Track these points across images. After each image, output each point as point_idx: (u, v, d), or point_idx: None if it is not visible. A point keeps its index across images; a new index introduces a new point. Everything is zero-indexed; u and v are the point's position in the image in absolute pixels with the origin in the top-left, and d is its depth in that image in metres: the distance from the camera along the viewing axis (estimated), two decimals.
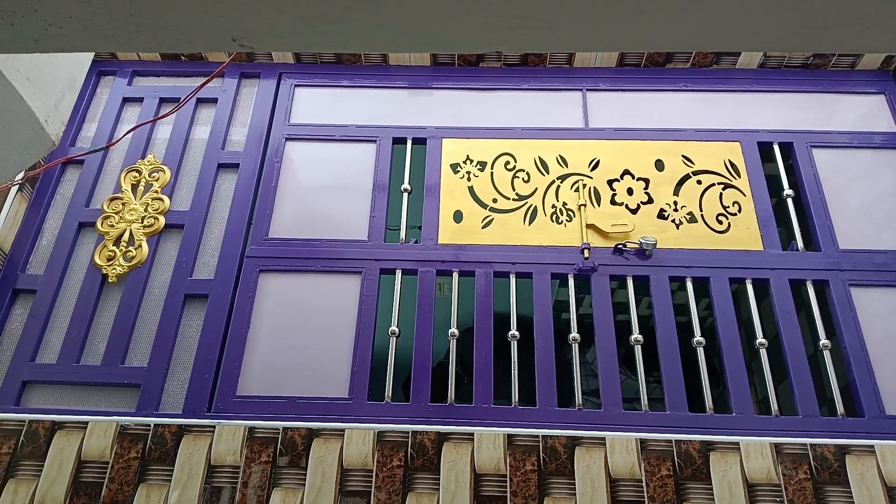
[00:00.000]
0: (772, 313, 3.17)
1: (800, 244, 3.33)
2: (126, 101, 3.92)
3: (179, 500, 2.66)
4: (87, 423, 2.83)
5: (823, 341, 3.05)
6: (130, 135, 3.72)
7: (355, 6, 1.40)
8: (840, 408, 2.90)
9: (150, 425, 2.82)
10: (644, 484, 2.63)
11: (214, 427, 2.80)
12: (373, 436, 2.76)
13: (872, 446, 2.66)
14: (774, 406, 2.91)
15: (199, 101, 3.88)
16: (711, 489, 2.60)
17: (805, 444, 2.68)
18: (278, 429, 2.79)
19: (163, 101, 3.88)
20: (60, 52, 1.63)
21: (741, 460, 2.65)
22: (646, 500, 2.60)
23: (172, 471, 2.72)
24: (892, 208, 3.43)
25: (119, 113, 3.87)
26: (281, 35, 1.53)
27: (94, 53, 3.72)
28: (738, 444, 2.69)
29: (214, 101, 3.88)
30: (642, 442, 2.71)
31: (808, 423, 2.85)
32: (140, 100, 3.92)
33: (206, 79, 3.05)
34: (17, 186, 3.45)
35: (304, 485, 2.67)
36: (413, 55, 3.96)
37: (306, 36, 1.54)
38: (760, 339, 3.06)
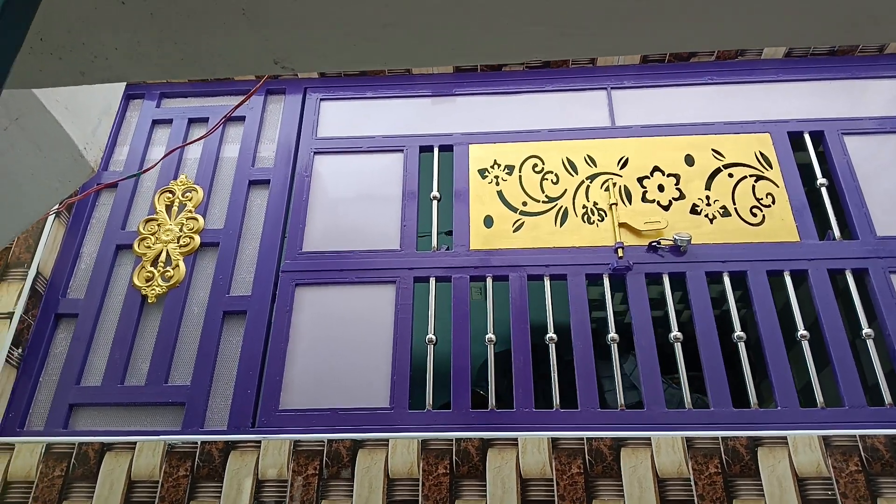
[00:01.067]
0: (811, 304, 3.14)
1: (836, 233, 3.29)
2: (156, 122, 3.98)
3: None
4: (135, 443, 2.88)
5: (866, 330, 3.01)
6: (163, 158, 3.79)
7: (395, 23, 1.42)
8: (887, 397, 2.86)
9: (196, 443, 2.85)
10: (692, 482, 2.61)
11: (260, 442, 2.83)
12: (417, 444, 2.77)
13: None
14: (819, 398, 2.88)
15: (228, 119, 3.92)
16: (761, 485, 2.58)
17: (854, 436, 2.65)
18: (323, 441, 2.81)
19: (192, 121, 3.93)
20: (106, 82, 1.67)
21: (790, 454, 2.63)
22: (695, 498, 2.58)
23: (221, 487, 2.75)
24: None
25: (149, 135, 3.93)
26: (322, 55, 1.55)
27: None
28: (785, 438, 2.66)
29: (242, 119, 3.92)
30: (688, 440, 2.69)
31: (855, 413, 2.82)
32: (169, 121, 3.97)
33: (243, 98, 3.11)
34: (55, 213, 3.52)
35: (351, 496, 2.69)
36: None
37: (347, 54, 1.56)
38: (802, 331, 3.03)
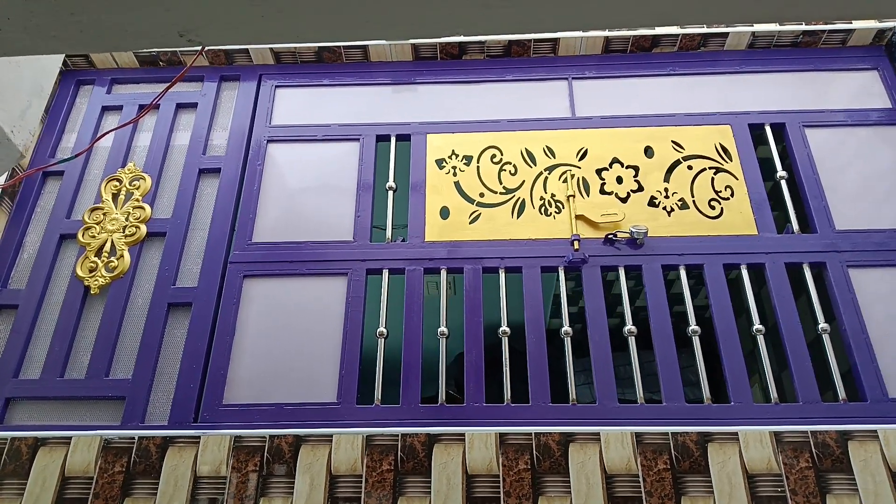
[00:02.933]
0: (769, 299, 3.09)
1: (795, 227, 3.24)
2: (105, 109, 3.86)
3: None
4: (70, 438, 2.77)
5: (822, 325, 2.97)
6: (110, 143, 3.68)
7: None
8: (841, 393, 2.82)
9: (134, 438, 2.76)
10: (641, 479, 2.55)
11: (199, 437, 2.73)
12: (361, 440, 2.69)
13: (875, 431, 2.58)
14: (774, 394, 2.83)
15: (179, 106, 3.82)
16: (710, 481, 2.53)
17: (806, 432, 2.60)
18: (265, 437, 2.73)
19: (142, 107, 3.81)
20: (3, 56, 1.57)
21: (740, 451, 2.57)
22: (643, 495, 2.52)
23: (158, 484, 2.66)
24: (891, 186, 3.34)
25: (98, 122, 3.81)
26: (228, 27, 1.47)
27: (62, 60, 3.67)
28: (736, 434, 2.61)
29: (194, 105, 3.82)
30: (638, 436, 2.63)
31: (809, 409, 2.77)
32: (119, 107, 3.86)
33: (174, 79, 2.97)
34: None
35: (292, 493, 2.61)
36: (394, 50, 3.89)
37: (256, 27, 1.48)
38: (757, 326, 2.98)
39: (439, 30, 1.48)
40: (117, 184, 3.54)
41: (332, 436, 2.71)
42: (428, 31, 1.48)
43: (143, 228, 3.39)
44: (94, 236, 3.37)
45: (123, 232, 3.37)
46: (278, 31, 1.50)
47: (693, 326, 3.01)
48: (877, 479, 2.49)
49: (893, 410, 2.74)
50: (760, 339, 2.97)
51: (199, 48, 1.90)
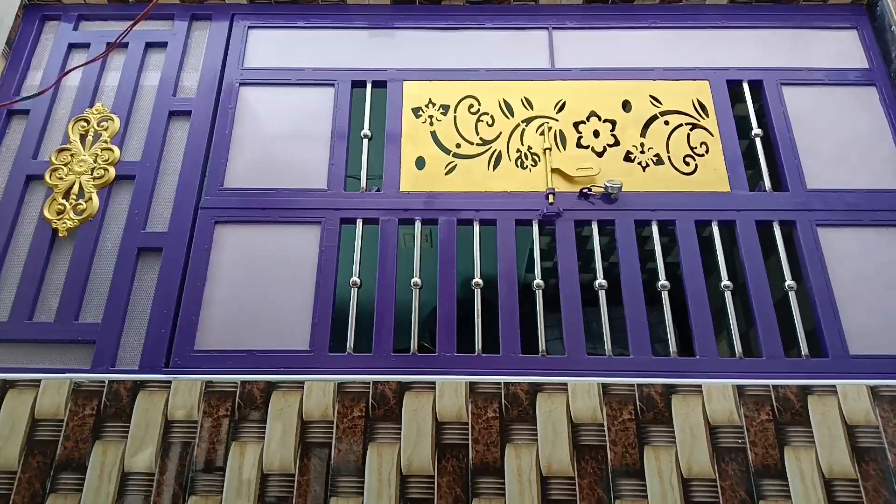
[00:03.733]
0: (739, 256, 3.13)
1: (767, 185, 3.27)
2: (72, 46, 3.74)
3: (136, 456, 2.61)
4: (39, 381, 2.76)
5: (789, 283, 3.02)
6: (77, 83, 3.57)
7: None
8: (805, 349, 2.89)
9: (104, 382, 2.75)
10: (606, 428, 2.61)
11: (171, 382, 2.74)
12: (333, 387, 2.72)
13: (834, 386, 2.66)
14: (738, 348, 2.89)
15: (149, 45, 3.71)
16: (673, 432, 2.60)
17: (767, 386, 2.67)
18: (236, 382, 2.73)
19: (110, 45, 3.68)
20: None
21: (703, 403, 2.64)
22: (607, 444, 2.59)
23: (129, 427, 2.67)
24: (866, 147, 3.36)
25: (65, 59, 3.69)
26: None
27: None
28: (700, 386, 2.67)
29: (164, 45, 3.71)
30: (604, 387, 2.69)
31: (772, 364, 2.84)
32: (87, 45, 3.73)
33: (140, 15, 2.88)
34: None
35: (263, 438, 2.63)
36: None
37: None
38: (726, 282, 3.03)
39: None
40: (85, 124, 3.45)
41: (304, 382, 2.73)
42: None
43: (112, 171, 3.32)
44: (61, 178, 3.30)
45: (92, 174, 3.30)
46: None
47: (662, 281, 3.05)
48: (833, 433, 2.57)
49: (853, 367, 2.82)
50: (728, 296, 3.02)
51: None
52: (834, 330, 2.90)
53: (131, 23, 2.92)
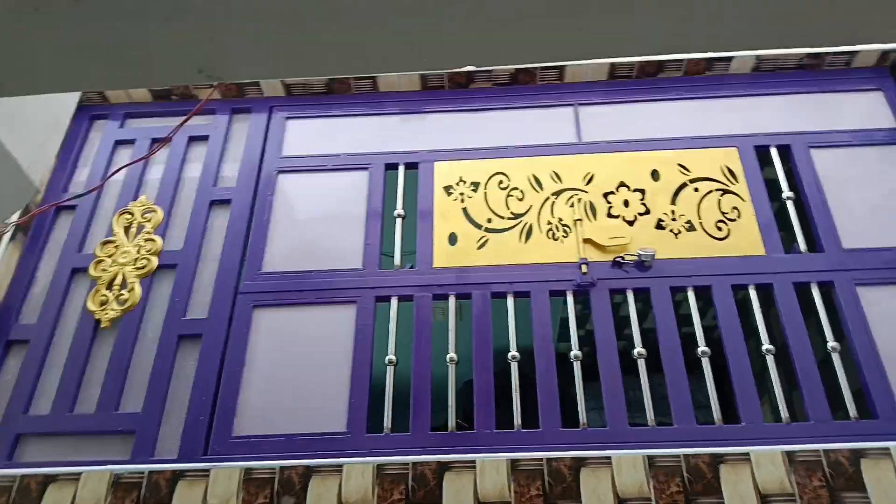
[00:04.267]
0: (778, 319, 3.08)
1: (802, 247, 3.24)
2: (118, 143, 3.92)
3: None
4: (80, 473, 2.77)
5: (832, 343, 2.95)
6: (123, 177, 3.73)
7: (317, 32, 1.38)
8: (853, 411, 2.80)
9: (144, 473, 2.76)
10: (654, 502, 2.53)
11: (209, 471, 2.73)
12: (372, 469, 2.69)
13: (888, 449, 2.55)
14: (784, 413, 2.81)
15: (191, 139, 3.88)
16: (724, 503, 2.50)
17: (818, 451, 2.57)
18: (275, 468, 2.72)
19: (154, 141, 3.87)
20: (29, 94, 1.62)
21: (752, 471, 2.55)
22: None
23: None
24: None
25: (111, 156, 3.87)
26: (247, 63, 1.51)
27: (79, 96, 3.74)
28: (748, 454, 2.58)
29: (206, 138, 3.88)
30: (650, 458, 2.61)
31: (821, 428, 2.75)
32: (132, 141, 3.92)
33: (188, 115, 3.03)
34: (10, 235, 3.44)
35: None
36: (402, 80, 3.95)
37: (272, 62, 1.51)
38: (767, 346, 2.97)
39: (455, 61, 1.51)
40: (129, 217, 3.59)
41: (342, 465, 2.71)
42: (442, 63, 1.51)
43: (155, 260, 3.42)
44: (105, 269, 3.41)
45: (135, 264, 3.41)
46: (294, 66, 1.54)
47: (703, 347, 3.00)
48: (891, 497, 2.45)
49: None
50: (770, 359, 2.96)
51: (213, 83, 1.95)
52: (882, 390, 2.80)
53: (180, 122, 3.08)
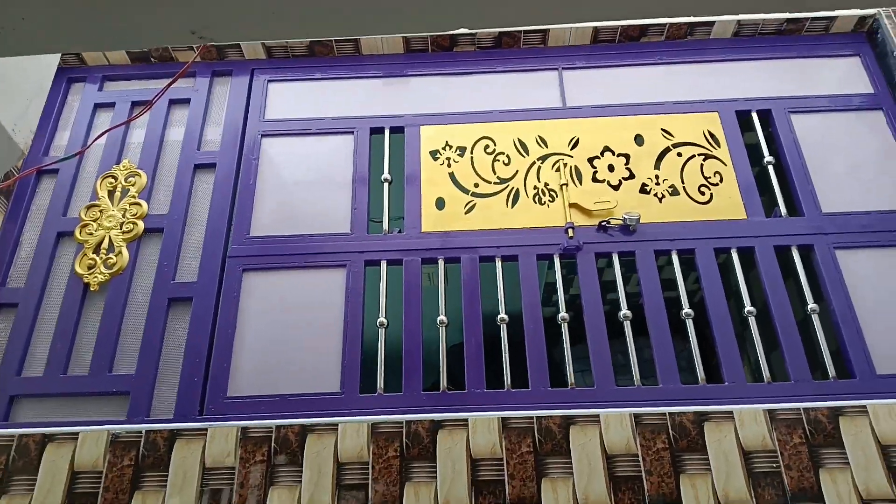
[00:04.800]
0: (759, 281, 3.17)
1: (783, 210, 3.33)
2: (98, 106, 3.86)
3: None
4: (77, 433, 2.79)
5: (811, 305, 3.05)
6: (104, 141, 3.67)
7: None
8: (832, 371, 2.91)
9: (141, 432, 2.79)
10: (640, 458, 2.62)
11: (207, 429, 2.77)
12: (367, 428, 2.74)
13: (865, 406, 2.67)
14: (766, 373, 2.91)
15: (172, 102, 3.83)
16: (708, 459, 2.60)
17: (798, 409, 2.68)
18: (271, 427, 2.77)
19: (135, 104, 3.82)
20: (17, 55, 1.60)
21: (735, 429, 2.65)
22: (643, 473, 2.60)
23: (167, 476, 2.70)
24: (876, 169, 3.43)
25: (91, 119, 3.81)
26: (242, 25, 1.50)
27: (59, 59, 3.66)
28: (731, 412, 2.69)
29: (187, 101, 3.83)
30: (636, 416, 2.70)
31: (801, 387, 2.86)
32: (112, 105, 3.86)
33: (172, 79, 3.00)
34: None
35: (300, 481, 2.66)
36: (386, 43, 3.93)
37: (267, 25, 1.51)
38: (749, 308, 3.06)
39: (450, 23, 1.52)
40: (112, 181, 3.55)
41: (337, 424, 2.76)
42: (438, 25, 1.52)
43: (141, 224, 3.41)
44: (91, 233, 3.39)
45: (121, 228, 3.39)
46: (288, 28, 1.54)
47: (686, 310, 3.08)
48: (867, 453, 2.57)
49: (882, 387, 2.83)
50: (752, 321, 3.05)
51: (206, 44, 1.93)
52: (859, 350, 2.92)
53: (165, 86, 3.04)
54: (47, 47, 1.59)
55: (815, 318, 3.04)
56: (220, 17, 1.51)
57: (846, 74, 3.78)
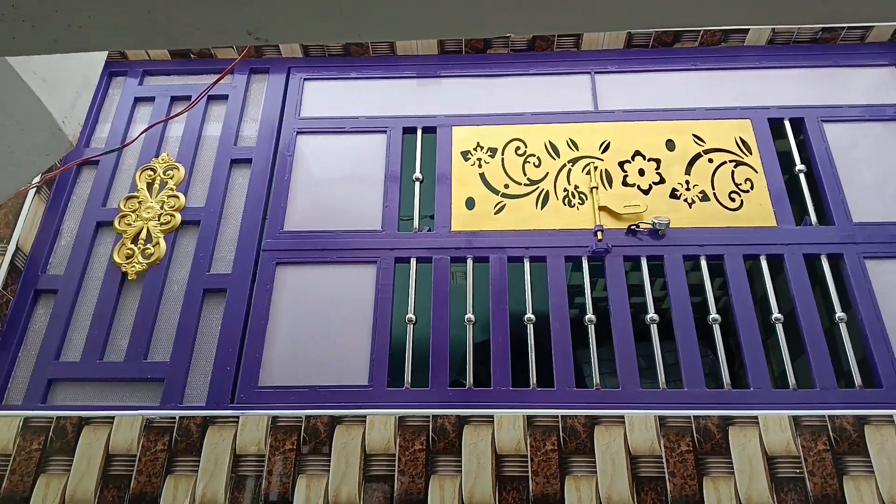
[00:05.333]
0: (787, 289, 3.18)
1: (813, 219, 3.33)
2: (138, 100, 3.96)
3: (206, 491, 2.71)
4: (113, 417, 2.88)
5: (839, 314, 3.06)
6: (143, 135, 3.77)
7: None
8: (858, 379, 2.91)
9: (175, 418, 2.87)
10: (664, 460, 2.65)
11: (238, 417, 2.84)
12: (394, 421, 2.80)
13: (891, 416, 2.67)
14: (792, 380, 2.92)
15: (210, 98, 3.91)
16: (731, 463, 2.62)
17: (823, 416, 2.69)
18: (301, 417, 2.83)
19: (174, 99, 3.91)
20: (79, 51, 1.67)
21: (760, 434, 2.67)
22: (666, 475, 2.62)
23: (199, 462, 2.77)
24: None
25: (131, 113, 3.91)
26: (297, 26, 1.55)
27: (107, 53, 3.76)
28: (756, 417, 2.70)
29: (225, 97, 3.92)
30: (661, 419, 2.73)
31: (826, 395, 2.86)
32: (152, 99, 3.96)
33: (216, 79, 3.08)
34: (35, 189, 3.50)
35: (328, 471, 2.72)
36: (420, 44, 3.98)
37: (321, 26, 1.56)
38: (776, 314, 3.07)
39: (493, 29, 1.56)
40: (151, 173, 3.64)
41: (365, 416, 2.82)
42: (487, 31, 1.56)
43: (178, 216, 3.49)
44: (129, 224, 3.48)
45: (159, 220, 3.48)
46: (342, 30, 1.58)
47: (713, 315, 3.10)
48: (892, 462, 2.58)
49: None
50: (779, 328, 3.06)
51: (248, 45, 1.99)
52: (886, 360, 2.92)
53: (209, 85, 3.13)
54: (108, 45, 1.65)
55: (843, 327, 3.04)
56: (278, 18, 1.56)
57: (880, 84, 3.76)
